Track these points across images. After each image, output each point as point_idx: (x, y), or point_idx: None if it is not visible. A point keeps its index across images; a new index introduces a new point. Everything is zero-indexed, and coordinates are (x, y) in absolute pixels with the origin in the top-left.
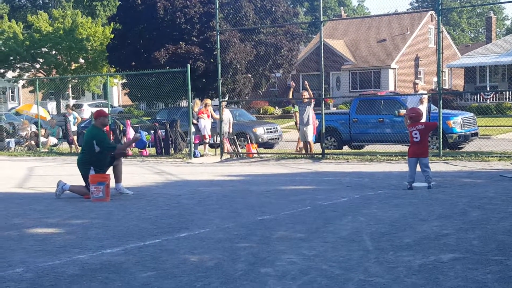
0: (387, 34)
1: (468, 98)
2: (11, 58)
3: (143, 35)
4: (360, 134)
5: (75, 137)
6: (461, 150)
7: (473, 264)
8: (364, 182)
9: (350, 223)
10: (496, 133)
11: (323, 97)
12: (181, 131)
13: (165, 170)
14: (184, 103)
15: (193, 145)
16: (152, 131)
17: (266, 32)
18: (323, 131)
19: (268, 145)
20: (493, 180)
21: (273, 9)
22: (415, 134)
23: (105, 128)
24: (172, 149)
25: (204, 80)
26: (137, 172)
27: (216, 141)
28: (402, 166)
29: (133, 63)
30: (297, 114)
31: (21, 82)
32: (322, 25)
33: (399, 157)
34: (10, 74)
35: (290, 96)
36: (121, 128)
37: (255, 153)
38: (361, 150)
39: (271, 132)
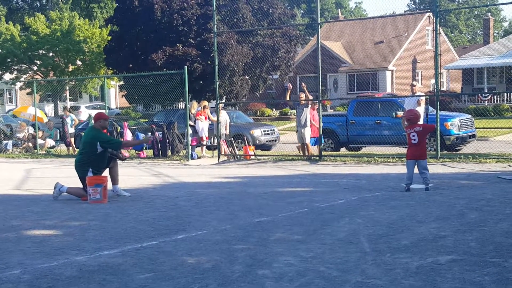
0: (384, 36)
1: (466, 100)
2: (9, 60)
3: (140, 37)
4: (357, 136)
5: (72, 139)
6: (458, 152)
7: (470, 266)
8: (361, 184)
9: (347, 225)
10: (494, 135)
11: (321, 99)
12: (179, 133)
13: (162, 172)
14: (181, 105)
15: (190, 147)
16: (150, 133)
17: (263, 34)
18: (321, 132)
19: (265, 147)
20: (490, 182)
21: (270, 11)
22: (413, 136)
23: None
24: (170, 151)
25: (201, 82)
26: (134, 174)
27: (214, 143)
28: (399, 168)
29: (131, 65)
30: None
31: (18, 84)
32: (319, 27)
33: (397, 159)
34: (7, 76)
35: (288, 98)
36: (118, 130)
37: (252, 155)
38: (358, 152)
39: (268, 134)
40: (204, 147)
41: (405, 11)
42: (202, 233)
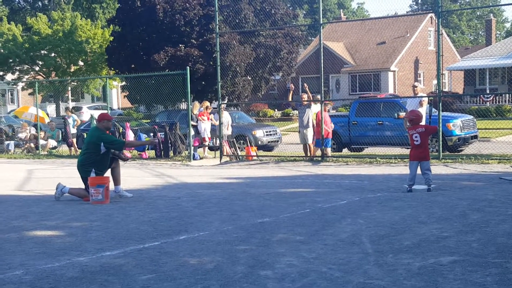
0: (386, 37)
1: (468, 101)
2: (11, 60)
3: (143, 37)
4: (359, 137)
5: (74, 140)
6: (460, 153)
7: (472, 267)
8: (363, 184)
9: (349, 225)
10: (496, 136)
11: (323, 99)
12: (181, 133)
13: (164, 173)
14: (183, 106)
15: (192, 147)
16: (152, 134)
17: (266, 34)
18: (323, 133)
19: (267, 147)
20: (492, 183)
21: (273, 12)
22: (416, 137)
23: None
24: (172, 151)
25: (203, 82)
26: (136, 175)
27: (216, 143)
28: (401, 169)
29: (133, 66)
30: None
31: (20, 85)
32: (321, 27)
33: (399, 159)
34: (9, 77)
35: (290, 99)
36: (121, 131)
37: (254, 156)
38: (360, 153)
39: (270, 134)
40: (206, 147)
41: (407, 12)
42: (204, 233)
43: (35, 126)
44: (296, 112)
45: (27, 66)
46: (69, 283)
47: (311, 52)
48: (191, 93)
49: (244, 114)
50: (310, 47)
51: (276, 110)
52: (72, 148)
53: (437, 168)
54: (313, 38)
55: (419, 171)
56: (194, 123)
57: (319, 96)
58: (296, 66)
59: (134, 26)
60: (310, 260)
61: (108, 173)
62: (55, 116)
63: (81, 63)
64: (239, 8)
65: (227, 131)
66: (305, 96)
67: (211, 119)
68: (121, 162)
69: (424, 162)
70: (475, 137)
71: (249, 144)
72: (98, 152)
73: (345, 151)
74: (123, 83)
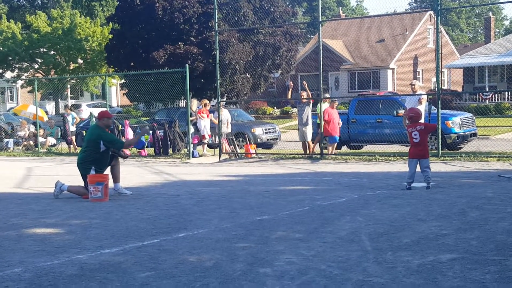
0: (385, 35)
1: (467, 99)
2: (10, 58)
3: (142, 35)
4: (358, 135)
5: (73, 137)
6: (459, 151)
7: (471, 264)
8: (362, 182)
9: (348, 223)
10: (495, 134)
11: (322, 97)
12: (180, 131)
13: (163, 170)
14: (182, 104)
15: (191, 145)
16: (151, 131)
17: (265, 32)
18: (321, 131)
19: (266, 145)
20: (491, 181)
21: (272, 9)
22: (415, 135)
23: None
24: (171, 149)
25: (202, 80)
26: (135, 172)
27: (215, 141)
28: (400, 167)
29: (132, 63)
30: (319, 116)
31: (19, 82)
32: (320, 25)
33: (398, 157)
34: (8, 74)
35: (289, 97)
36: (120, 129)
37: (253, 154)
38: (359, 151)
39: (269, 132)
40: (205, 145)
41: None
42: (204, 231)
43: (34, 123)
44: (295, 109)
45: (26, 64)
46: (68, 280)
47: (310, 50)
48: (190, 91)
49: (243, 111)
50: (309, 45)
51: (275, 107)
52: (71, 145)
53: (436, 166)
54: (312, 36)
55: (418, 168)
56: (193, 118)
57: (327, 94)
58: (295, 64)
59: (133, 24)
60: (309, 258)
61: (107, 171)
62: (54, 114)
63: (80, 61)
64: (238, 6)
65: (226, 129)
66: (304, 94)
67: (210, 117)
68: (120, 160)
69: (423, 160)
70: (474, 134)
71: (248, 142)
72: (98, 150)
73: (344, 148)
74: (122, 81)
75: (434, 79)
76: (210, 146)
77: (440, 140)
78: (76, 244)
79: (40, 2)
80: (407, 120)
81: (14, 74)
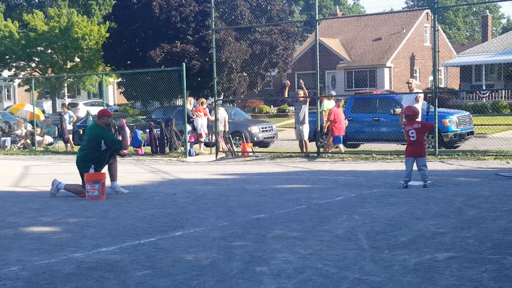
0: (382, 33)
1: (464, 97)
2: (7, 57)
3: (139, 34)
4: (355, 133)
5: (70, 136)
6: (456, 149)
7: (468, 263)
8: (359, 180)
9: (345, 221)
10: (492, 132)
11: (319, 95)
12: (177, 130)
13: (160, 169)
14: (179, 102)
15: (188, 144)
16: (148, 130)
17: (262, 30)
18: (318, 129)
19: (263, 144)
20: (489, 179)
21: (269, 8)
22: (412, 133)
23: None
24: (168, 147)
25: (199, 79)
26: (132, 171)
27: (212, 140)
28: (397, 165)
29: (129, 62)
30: (323, 114)
31: (16, 81)
32: (317, 23)
33: (395, 155)
34: (5, 73)
35: (286, 95)
36: (116, 127)
37: (250, 152)
38: (356, 149)
39: (266, 131)
40: (202, 144)
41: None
42: (200, 230)
43: (31, 122)
44: (292, 108)
45: (23, 62)
46: (65, 279)
47: (307, 48)
48: (187, 90)
49: (240, 110)
50: (306, 43)
51: (272, 106)
52: (68, 144)
53: (433, 164)
54: (309, 34)
55: (415, 167)
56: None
57: (333, 92)
58: (292, 62)
59: (130, 23)
60: (306, 256)
61: (105, 169)
62: (51, 112)
63: (77, 59)
64: (235, 5)
65: (224, 127)
66: (301, 92)
67: (207, 115)
68: (118, 158)
69: (420, 159)
70: (471, 133)
71: (245, 140)
72: (99, 148)
73: (341, 147)
74: (119, 79)
75: (431, 78)
76: (207, 144)
77: (437, 139)
78: (73, 242)
79: (37, 1)
80: (404, 118)
81: (11, 72)
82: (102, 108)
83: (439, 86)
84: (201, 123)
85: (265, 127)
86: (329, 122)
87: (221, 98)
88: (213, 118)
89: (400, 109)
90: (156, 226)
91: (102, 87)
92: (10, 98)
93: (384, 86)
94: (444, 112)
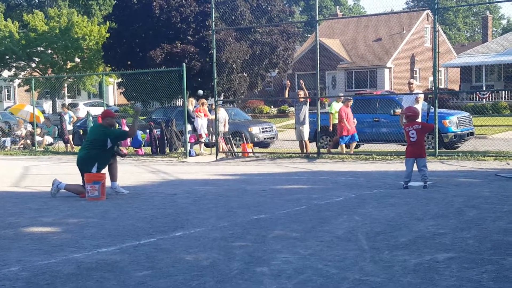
0: (383, 34)
1: (464, 98)
2: (7, 57)
3: (139, 34)
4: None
5: (70, 136)
6: (456, 150)
7: (468, 264)
8: (359, 181)
9: (345, 222)
10: (492, 133)
11: (319, 96)
12: (177, 130)
13: (160, 169)
14: (179, 102)
15: (188, 144)
16: (148, 130)
17: (262, 31)
18: (319, 130)
19: (263, 144)
20: (489, 180)
21: (269, 8)
22: (412, 134)
23: None
24: (168, 148)
25: (199, 79)
26: (132, 171)
27: (212, 140)
28: (397, 166)
29: (129, 62)
30: (331, 116)
31: (16, 81)
32: (317, 24)
33: (395, 156)
34: (6, 73)
35: (286, 96)
36: (117, 127)
37: (250, 153)
38: (356, 150)
39: (266, 131)
40: (202, 144)
41: (403, 9)
42: (200, 230)
43: (31, 122)
44: (292, 108)
45: (23, 62)
46: (65, 279)
47: (307, 49)
48: (187, 90)
49: (240, 110)
50: (306, 44)
51: (272, 106)
52: (69, 144)
53: (433, 165)
54: (309, 35)
55: (415, 168)
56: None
57: (341, 93)
58: (292, 63)
59: (130, 23)
60: (306, 257)
61: (105, 169)
62: (51, 112)
63: (77, 59)
64: (235, 5)
65: (224, 128)
66: (301, 93)
67: (208, 116)
68: (118, 159)
69: (420, 159)
70: (471, 134)
71: (245, 141)
72: (105, 147)
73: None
74: (119, 79)
75: (431, 78)
76: (207, 145)
77: (437, 139)
78: (73, 243)
79: (37, 1)
80: (404, 119)
81: (11, 73)
82: (103, 108)
83: (439, 86)
84: (201, 123)
85: (265, 128)
86: (341, 122)
87: (222, 98)
88: (213, 117)
89: (400, 109)
90: (156, 227)
91: (102, 88)
92: (10, 98)
93: (384, 87)
94: (444, 113)
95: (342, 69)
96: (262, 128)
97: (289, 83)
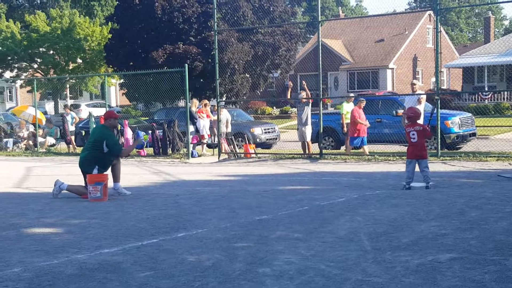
0: (385, 34)
1: (466, 98)
2: (9, 58)
3: (141, 35)
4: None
5: (73, 137)
6: (459, 150)
7: (471, 264)
8: (362, 182)
9: (348, 223)
10: (494, 133)
11: (321, 97)
12: (179, 131)
13: (163, 170)
14: (182, 103)
15: (191, 145)
16: (150, 131)
17: (264, 32)
18: (321, 131)
19: (265, 145)
20: (491, 180)
21: (271, 9)
22: (413, 134)
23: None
24: (170, 149)
25: (201, 80)
26: (135, 172)
27: (214, 141)
28: (400, 166)
29: (131, 63)
30: (343, 117)
31: (19, 82)
32: (320, 25)
33: (397, 157)
34: (8, 74)
35: (288, 96)
36: (119, 128)
37: (252, 153)
38: (359, 150)
39: (268, 132)
40: (205, 145)
41: (406, 10)
42: (203, 231)
43: (33, 123)
44: (294, 109)
45: (25, 63)
46: (68, 280)
47: (309, 50)
48: (190, 91)
49: (243, 111)
50: (308, 45)
51: (274, 107)
52: (71, 145)
53: (436, 166)
54: (311, 36)
55: (417, 168)
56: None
57: (352, 94)
58: (294, 64)
59: (132, 24)
60: (308, 258)
61: (108, 170)
62: (53, 113)
63: (79, 60)
64: (238, 6)
65: (226, 129)
66: (303, 94)
67: (210, 116)
68: (121, 159)
69: (422, 160)
70: (474, 134)
71: (247, 142)
72: (102, 150)
73: (343, 148)
74: (122, 80)
75: (433, 79)
76: (209, 146)
77: (439, 140)
78: (75, 244)
79: (39, 2)
80: (406, 119)
81: (13, 74)
82: (105, 109)
83: (442, 87)
84: (204, 124)
85: (268, 129)
86: (355, 123)
87: (224, 99)
88: (215, 118)
89: (402, 110)
90: (158, 227)
91: (104, 88)
92: (12, 99)
93: (387, 88)
94: (446, 114)
95: (344, 69)
96: (265, 129)
97: (291, 84)
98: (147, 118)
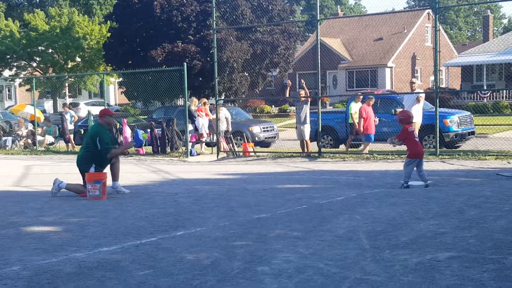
0: (384, 33)
1: (465, 97)
2: (8, 56)
3: (140, 33)
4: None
5: (71, 136)
6: (457, 149)
7: (469, 263)
8: (360, 180)
9: (346, 221)
10: (493, 132)
11: (320, 95)
12: (178, 129)
13: (161, 169)
14: (180, 102)
15: (189, 143)
16: (149, 130)
17: (263, 30)
18: (320, 129)
19: (264, 143)
20: (490, 179)
21: (270, 8)
22: (415, 133)
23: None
24: (169, 147)
25: (200, 78)
26: (133, 171)
27: (213, 139)
28: (398, 165)
29: (130, 62)
30: (352, 116)
31: (17, 81)
32: (318, 23)
33: (396, 156)
34: (6, 73)
35: (287, 95)
36: (118, 127)
37: (251, 152)
38: (357, 149)
39: (267, 130)
40: (204, 143)
41: (404, 8)
42: (201, 229)
43: (32, 121)
44: (293, 108)
45: (24, 62)
46: (67, 278)
47: (308, 48)
48: (188, 89)
49: (241, 110)
50: (307, 43)
51: (273, 106)
52: (69, 144)
53: (434, 164)
54: (310, 34)
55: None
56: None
57: (359, 93)
58: (293, 62)
59: (131, 22)
60: (307, 256)
61: (107, 169)
62: (52, 112)
63: (78, 59)
64: (236, 4)
65: (226, 127)
66: (302, 92)
67: (209, 115)
68: (120, 157)
69: (421, 161)
70: (472, 133)
71: (246, 140)
72: (97, 148)
73: (342, 147)
74: (120, 79)
75: (432, 78)
76: (208, 144)
77: (438, 139)
78: (74, 242)
79: (38, 0)
80: (398, 122)
81: (12, 72)
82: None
83: (440, 86)
84: (203, 123)
85: (266, 127)
86: (361, 120)
87: (223, 98)
88: (214, 116)
89: (401, 109)
90: (157, 226)
91: (103, 87)
92: (11, 98)
93: (386, 86)
94: (445, 112)
95: (343, 68)
96: (263, 128)
97: (290, 83)
98: (146, 117)
